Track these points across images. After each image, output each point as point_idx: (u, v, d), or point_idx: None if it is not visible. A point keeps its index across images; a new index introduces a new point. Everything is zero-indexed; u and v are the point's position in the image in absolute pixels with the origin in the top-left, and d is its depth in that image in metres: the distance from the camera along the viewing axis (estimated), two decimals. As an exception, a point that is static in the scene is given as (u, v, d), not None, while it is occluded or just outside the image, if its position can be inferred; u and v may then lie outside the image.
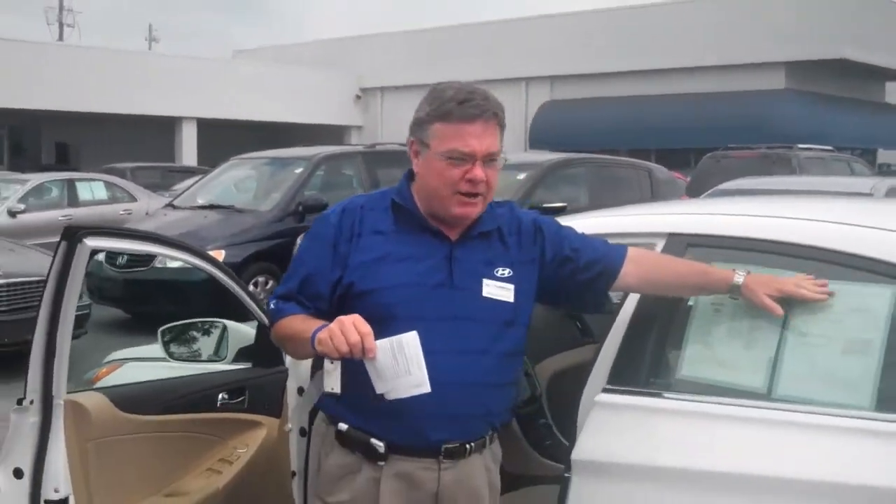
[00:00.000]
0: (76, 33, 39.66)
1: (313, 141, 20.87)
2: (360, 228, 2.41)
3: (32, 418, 2.52)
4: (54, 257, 2.45)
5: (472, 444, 2.42)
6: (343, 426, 2.40)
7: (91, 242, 2.47)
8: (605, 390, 2.61)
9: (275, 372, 3.16)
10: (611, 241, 2.82)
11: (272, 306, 2.48)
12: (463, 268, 2.40)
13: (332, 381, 2.24)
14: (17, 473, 2.53)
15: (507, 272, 2.44)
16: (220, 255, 9.26)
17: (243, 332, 3.37)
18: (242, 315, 3.35)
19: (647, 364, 2.60)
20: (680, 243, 2.69)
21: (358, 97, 32.97)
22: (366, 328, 2.16)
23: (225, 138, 26.20)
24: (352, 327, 2.15)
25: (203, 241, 9.47)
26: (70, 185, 16.26)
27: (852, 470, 2.22)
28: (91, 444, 2.57)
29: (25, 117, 28.05)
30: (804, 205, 3.24)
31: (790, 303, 2.46)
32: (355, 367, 2.22)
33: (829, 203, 3.61)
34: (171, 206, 12.14)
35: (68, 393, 2.57)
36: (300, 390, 3.28)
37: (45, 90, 25.77)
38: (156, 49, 42.96)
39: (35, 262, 8.72)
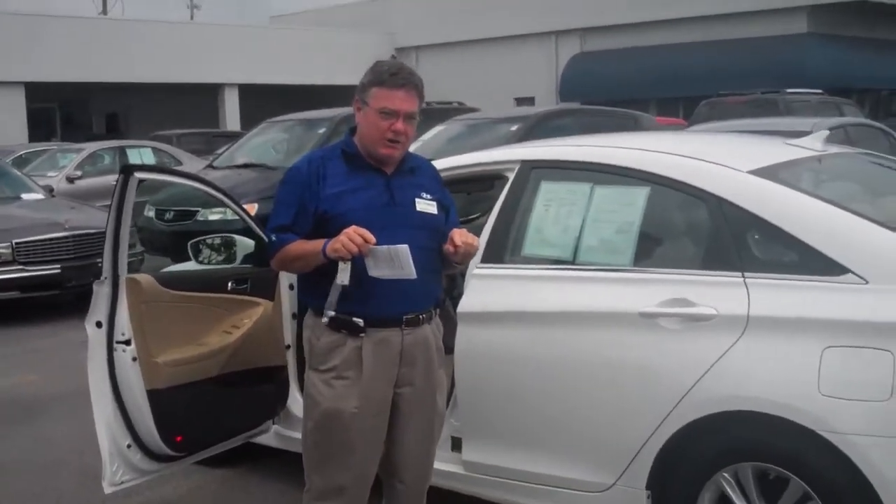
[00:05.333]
0: (119, 5, 40.58)
1: (351, 102, 21.24)
2: (323, 172, 3.14)
3: (106, 289, 3.63)
4: (115, 187, 3.61)
5: (423, 315, 3.21)
6: (331, 313, 3.11)
7: (139, 175, 3.64)
8: (478, 266, 3.86)
9: (269, 270, 4.16)
10: (475, 171, 4.10)
11: (273, 238, 3.16)
12: (400, 192, 3.19)
13: (344, 276, 2.99)
14: (98, 325, 3.66)
15: (430, 196, 3.24)
16: (252, 208, 9.53)
17: (247, 243, 4.44)
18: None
19: (504, 247, 3.85)
20: (527, 167, 3.91)
21: (393, 57, 33.51)
22: (364, 232, 2.96)
23: (266, 102, 25.84)
24: (355, 234, 2.95)
25: (238, 196, 10.07)
26: (121, 152, 17.19)
27: (618, 302, 3.47)
28: (143, 306, 3.73)
29: (75, 90, 28.31)
30: (622, 138, 4.48)
31: (589, 200, 3.69)
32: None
33: (642, 136, 4.79)
34: (210, 166, 13.09)
35: (128, 274, 3.74)
36: (291, 286, 4.50)
37: (92, 63, 26.22)
38: (197, 17, 43.80)
39: (95, 217, 9.76)
